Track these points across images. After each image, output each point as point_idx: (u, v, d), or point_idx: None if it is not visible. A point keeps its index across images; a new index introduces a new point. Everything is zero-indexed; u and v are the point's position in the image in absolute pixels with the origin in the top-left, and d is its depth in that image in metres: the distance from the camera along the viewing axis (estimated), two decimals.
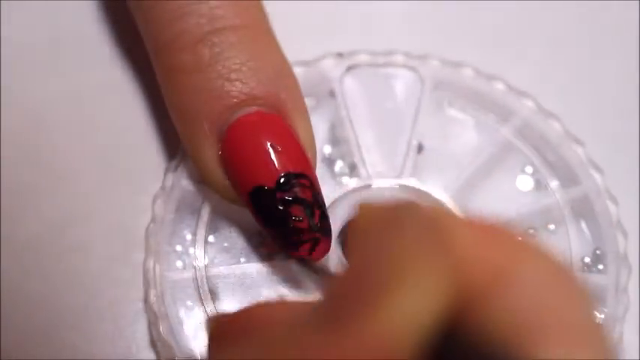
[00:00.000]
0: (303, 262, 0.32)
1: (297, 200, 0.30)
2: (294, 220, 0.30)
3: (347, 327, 0.16)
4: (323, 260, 0.31)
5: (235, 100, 0.31)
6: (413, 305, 0.16)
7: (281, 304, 0.22)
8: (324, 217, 0.31)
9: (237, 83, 0.31)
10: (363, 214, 0.18)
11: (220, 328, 0.22)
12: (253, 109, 0.31)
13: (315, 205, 0.30)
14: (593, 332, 0.17)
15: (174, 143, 0.33)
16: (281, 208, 0.30)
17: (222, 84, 0.31)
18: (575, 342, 0.17)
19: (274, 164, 0.30)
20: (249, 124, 0.31)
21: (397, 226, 0.17)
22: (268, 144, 0.30)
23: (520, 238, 0.18)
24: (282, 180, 0.30)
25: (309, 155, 0.31)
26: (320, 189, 0.31)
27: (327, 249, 0.31)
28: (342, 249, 0.32)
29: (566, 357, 0.16)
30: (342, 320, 0.16)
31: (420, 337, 0.16)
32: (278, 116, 0.31)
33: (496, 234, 0.18)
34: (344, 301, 0.17)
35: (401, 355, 0.16)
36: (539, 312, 0.17)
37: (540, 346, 0.16)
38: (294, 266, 0.32)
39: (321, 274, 0.32)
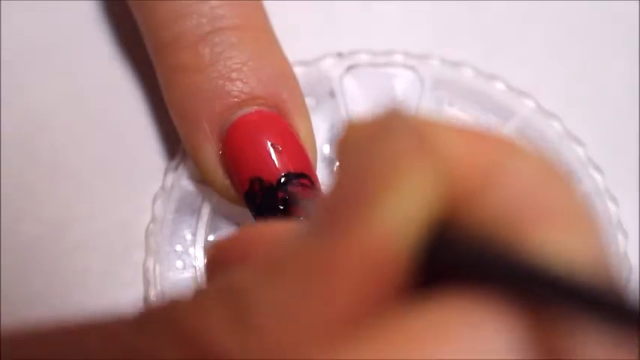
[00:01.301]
0: None
1: (297, 200, 0.30)
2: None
3: (342, 230, 0.16)
4: None
5: (236, 99, 0.31)
6: (405, 205, 0.16)
7: (274, 225, 0.22)
8: None
9: (237, 83, 0.31)
10: (350, 129, 0.19)
11: (220, 253, 0.22)
12: (254, 108, 0.31)
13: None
14: (584, 217, 0.18)
15: (175, 143, 0.34)
16: (281, 207, 0.30)
17: (222, 84, 0.31)
18: (567, 226, 0.17)
19: (275, 163, 0.30)
20: (250, 124, 0.31)
21: (383, 133, 0.17)
22: (269, 143, 0.30)
23: (505, 140, 0.18)
24: (282, 180, 0.30)
25: (310, 155, 0.31)
26: (320, 188, 0.31)
27: None
28: None
29: (559, 240, 0.17)
30: (337, 226, 0.17)
31: (415, 236, 0.17)
32: (278, 116, 0.31)
33: (482, 136, 0.18)
34: (335, 209, 0.17)
35: (398, 254, 0.16)
36: (530, 201, 0.17)
37: (534, 232, 0.17)
38: None
39: None
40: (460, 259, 0.17)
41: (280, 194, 0.30)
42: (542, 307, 0.16)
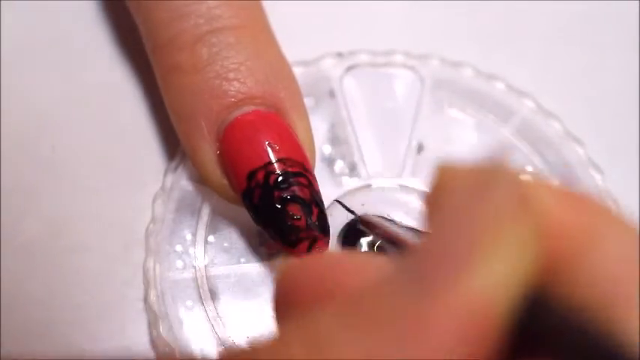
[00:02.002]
0: None
1: (294, 199, 0.30)
2: (291, 218, 0.30)
3: (439, 287, 0.16)
4: None
5: (233, 99, 0.31)
6: (501, 271, 0.16)
7: (355, 257, 0.21)
8: (322, 215, 0.31)
9: (235, 83, 0.31)
10: (444, 176, 0.18)
11: (291, 282, 0.21)
12: (251, 108, 0.31)
13: (313, 203, 0.30)
14: None
15: (174, 143, 0.33)
16: (279, 206, 0.30)
17: (220, 83, 0.31)
18: None
19: (271, 159, 0.30)
20: (247, 124, 0.31)
21: (484, 190, 0.17)
22: (266, 143, 0.30)
23: (603, 206, 0.18)
24: (280, 179, 0.30)
25: (308, 154, 0.31)
26: (318, 188, 0.31)
27: (326, 247, 0.31)
28: (343, 249, 0.32)
29: None
30: (434, 280, 0.16)
31: (509, 302, 0.16)
32: (276, 115, 0.31)
33: (581, 201, 0.18)
34: (432, 262, 0.16)
35: (491, 319, 0.16)
36: (627, 279, 0.17)
37: (629, 315, 0.16)
38: None
39: None
40: (554, 332, 0.16)
41: (277, 193, 0.30)
42: None
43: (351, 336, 0.16)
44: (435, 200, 0.18)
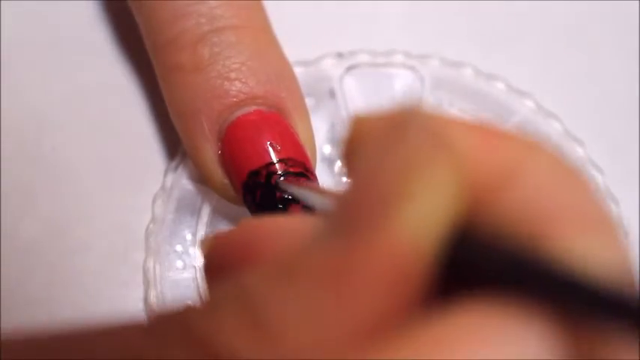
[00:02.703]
0: None
1: (295, 199, 0.30)
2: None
3: (364, 235, 0.16)
4: None
5: (235, 99, 0.31)
6: (426, 207, 0.16)
7: (279, 220, 0.21)
8: None
9: (236, 83, 0.31)
10: (359, 125, 0.18)
11: (215, 247, 0.21)
12: (252, 108, 0.31)
13: None
14: (605, 219, 0.17)
15: (175, 143, 0.33)
16: (280, 206, 0.30)
17: (221, 83, 0.31)
18: (591, 229, 0.17)
19: (273, 159, 0.30)
20: (249, 124, 0.31)
21: (398, 131, 0.17)
22: (268, 143, 0.30)
23: (523, 138, 0.18)
24: (281, 178, 0.30)
25: (309, 154, 0.31)
26: (320, 187, 0.31)
27: None
28: None
29: (584, 244, 0.16)
30: (358, 230, 0.16)
31: (438, 239, 0.16)
32: (277, 115, 0.31)
33: (498, 133, 0.18)
34: (355, 211, 0.16)
35: (421, 258, 0.16)
36: (552, 202, 0.17)
37: (557, 235, 0.17)
38: None
39: None
40: (484, 262, 0.16)
41: (279, 194, 0.30)
42: (571, 313, 0.16)
43: (282, 295, 0.16)
44: (352, 151, 0.18)
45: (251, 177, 0.30)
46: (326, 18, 0.39)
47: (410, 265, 0.16)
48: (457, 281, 0.17)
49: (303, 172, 0.30)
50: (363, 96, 0.36)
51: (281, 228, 0.20)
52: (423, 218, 0.16)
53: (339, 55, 0.36)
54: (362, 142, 0.18)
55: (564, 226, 0.17)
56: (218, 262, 0.21)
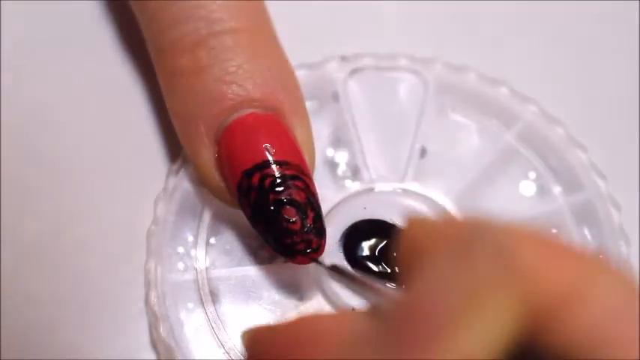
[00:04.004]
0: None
1: (290, 202, 0.30)
2: (286, 221, 0.30)
3: (417, 353, 0.16)
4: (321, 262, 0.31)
5: (231, 102, 0.31)
6: (485, 333, 0.16)
7: (325, 318, 0.22)
8: (318, 218, 0.30)
9: (233, 86, 0.31)
10: (415, 228, 0.19)
11: (259, 343, 0.21)
12: (249, 110, 0.31)
13: (309, 206, 0.30)
14: None
15: (177, 145, 0.33)
16: (273, 209, 0.30)
17: (218, 87, 0.31)
18: None
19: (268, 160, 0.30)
20: (244, 126, 0.31)
21: (465, 249, 0.17)
22: (262, 145, 0.30)
23: (589, 257, 0.18)
24: (278, 181, 0.30)
25: (307, 157, 0.31)
26: (315, 191, 0.31)
27: (321, 251, 0.30)
28: (345, 252, 0.32)
29: None
30: (411, 346, 0.16)
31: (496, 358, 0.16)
32: (274, 118, 0.31)
33: (566, 252, 0.18)
34: (410, 326, 0.17)
35: None
36: (615, 329, 0.17)
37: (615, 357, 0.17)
38: (296, 269, 0.32)
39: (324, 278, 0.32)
40: None
41: (272, 196, 0.30)
42: None
43: None
44: (411, 257, 0.19)
45: (245, 179, 0.30)
46: (330, 21, 0.39)
47: None
48: None
49: (298, 174, 0.30)
50: (366, 99, 0.36)
51: (329, 328, 0.20)
52: (481, 341, 0.16)
53: (343, 58, 0.36)
54: (426, 251, 0.18)
55: (628, 354, 0.17)
56: (260, 355, 0.21)
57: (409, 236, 0.19)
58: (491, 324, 0.16)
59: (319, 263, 0.30)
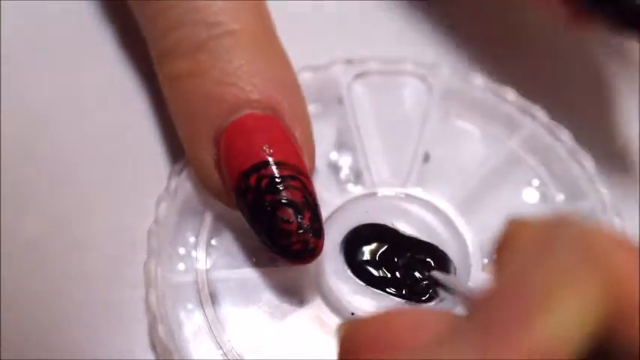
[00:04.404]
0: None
1: (286, 202, 0.30)
2: (282, 221, 0.30)
3: (505, 336, 0.17)
4: (320, 264, 0.31)
5: (230, 104, 0.31)
6: (569, 319, 0.17)
7: (419, 313, 0.22)
8: (316, 218, 0.30)
9: (232, 87, 0.31)
10: (514, 228, 0.20)
11: (355, 335, 0.22)
12: (247, 112, 0.31)
13: (306, 207, 0.30)
14: None
15: (180, 146, 0.33)
16: (269, 209, 0.30)
17: (217, 89, 0.31)
18: None
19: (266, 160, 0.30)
20: (242, 128, 0.31)
21: (550, 242, 0.18)
22: (259, 146, 0.30)
23: None
24: (277, 180, 0.30)
25: (306, 157, 0.31)
26: (313, 190, 0.31)
27: (319, 251, 0.30)
28: (345, 256, 0.32)
29: None
30: (500, 330, 0.17)
31: (576, 347, 0.17)
32: (273, 119, 0.31)
33: None
34: (500, 314, 0.18)
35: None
36: None
37: None
38: (296, 272, 0.32)
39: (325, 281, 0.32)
40: None
41: (268, 197, 0.30)
42: None
43: None
44: (504, 252, 0.20)
45: (242, 180, 0.30)
46: (336, 24, 0.39)
47: None
48: None
49: (295, 175, 0.30)
50: (370, 103, 0.36)
51: (423, 319, 0.21)
52: (568, 326, 0.17)
53: (349, 62, 0.36)
54: (515, 246, 0.19)
55: None
56: (354, 348, 0.22)
57: (507, 234, 0.20)
58: (575, 311, 0.17)
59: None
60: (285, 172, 0.30)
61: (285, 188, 0.30)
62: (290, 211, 0.30)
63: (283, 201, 0.30)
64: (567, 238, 0.18)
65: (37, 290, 0.33)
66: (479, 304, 0.18)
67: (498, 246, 0.20)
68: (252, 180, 0.30)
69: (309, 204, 0.30)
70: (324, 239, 0.30)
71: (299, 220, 0.30)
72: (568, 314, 0.17)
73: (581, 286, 0.17)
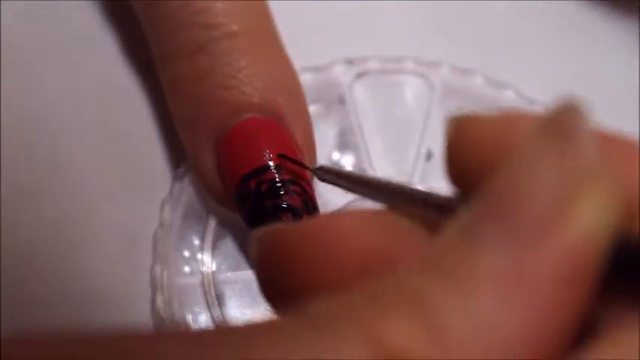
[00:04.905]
0: None
1: (285, 207, 0.30)
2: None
3: (539, 234, 0.16)
4: None
5: (231, 107, 0.31)
6: (598, 215, 0.17)
7: (348, 218, 0.21)
8: None
9: (232, 91, 0.31)
10: (472, 126, 0.20)
11: (278, 243, 0.20)
12: (248, 115, 0.31)
13: (305, 211, 0.30)
14: None
15: (183, 148, 0.33)
16: (269, 214, 0.30)
17: (218, 92, 0.31)
18: None
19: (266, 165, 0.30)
20: (243, 131, 0.31)
21: (567, 143, 0.18)
22: (260, 151, 0.30)
23: None
24: (270, 185, 0.30)
25: (307, 161, 0.31)
26: (313, 196, 0.31)
27: None
28: None
29: None
30: (532, 228, 0.17)
31: (607, 239, 0.17)
32: (274, 122, 0.31)
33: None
34: (520, 212, 0.17)
35: (594, 257, 0.17)
36: None
37: None
38: None
39: None
40: (634, 266, 0.17)
41: (268, 201, 0.30)
42: None
43: (453, 297, 0.16)
44: (477, 158, 0.19)
45: (242, 184, 0.30)
46: (336, 24, 0.39)
47: (587, 261, 0.17)
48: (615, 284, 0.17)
49: (295, 179, 0.30)
50: (372, 103, 0.36)
51: (358, 227, 0.20)
52: (598, 220, 0.17)
53: (349, 62, 0.36)
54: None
55: None
56: (275, 255, 0.20)
57: (463, 133, 0.20)
58: (605, 205, 0.17)
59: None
60: (285, 177, 0.30)
61: (285, 193, 0.30)
62: (289, 215, 0.30)
63: (283, 205, 0.30)
64: (583, 140, 0.18)
65: (38, 293, 0.33)
66: (485, 203, 0.17)
67: (457, 144, 0.20)
68: (252, 184, 0.30)
69: (309, 209, 0.30)
70: None
71: None
72: (597, 209, 0.17)
73: (604, 179, 0.17)
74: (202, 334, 0.18)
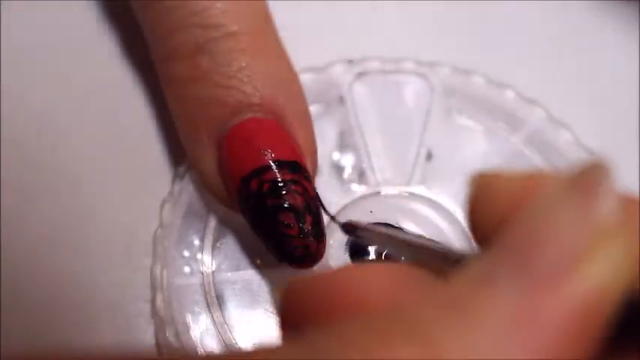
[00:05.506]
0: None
1: (287, 207, 0.30)
2: (283, 226, 0.30)
3: (549, 283, 0.17)
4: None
5: (231, 107, 0.31)
6: (610, 269, 0.17)
7: (360, 270, 0.21)
8: (317, 222, 0.30)
9: (232, 90, 0.31)
10: (489, 185, 0.20)
11: (300, 295, 0.21)
12: (249, 115, 0.31)
13: (307, 211, 0.30)
14: None
15: (183, 148, 0.33)
16: (270, 214, 0.30)
17: (218, 92, 0.31)
18: None
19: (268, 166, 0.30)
20: (243, 131, 0.31)
21: (587, 198, 0.18)
22: (261, 151, 0.30)
23: None
24: (279, 184, 0.30)
25: (308, 161, 0.31)
26: (315, 195, 0.31)
27: (320, 255, 0.30)
28: (351, 255, 0.32)
29: None
30: (541, 277, 0.17)
31: (616, 297, 0.17)
32: (274, 122, 0.31)
33: None
34: (535, 262, 0.17)
35: (602, 311, 0.17)
36: None
37: None
38: (304, 272, 0.32)
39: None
40: None
41: (269, 201, 0.30)
42: None
43: (464, 338, 0.17)
44: (494, 211, 0.20)
45: (244, 184, 0.30)
46: (337, 25, 0.39)
47: (594, 315, 0.17)
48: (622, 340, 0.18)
49: (297, 179, 0.30)
50: (372, 103, 0.36)
51: (369, 277, 0.21)
52: (610, 275, 0.17)
53: (349, 62, 0.36)
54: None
55: None
56: (295, 308, 0.21)
57: (487, 192, 0.20)
58: (617, 263, 0.17)
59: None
60: (287, 177, 0.30)
61: (287, 193, 0.30)
62: (291, 215, 0.30)
63: (285, 205, 0.30)
64: (605, 195, 0.18)
65: (39, 294, 0.33)
66: (503, 251, 0.18)
67: (480, 202, 0.20)
68: (254, 184, 0.30)
69: (311, 208, 0.30)
70: (325, 244, 0.30)
71: (300, 224, 0.30)
72: (611, 265, 0.17)
73: (621, 237, 0.18)
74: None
